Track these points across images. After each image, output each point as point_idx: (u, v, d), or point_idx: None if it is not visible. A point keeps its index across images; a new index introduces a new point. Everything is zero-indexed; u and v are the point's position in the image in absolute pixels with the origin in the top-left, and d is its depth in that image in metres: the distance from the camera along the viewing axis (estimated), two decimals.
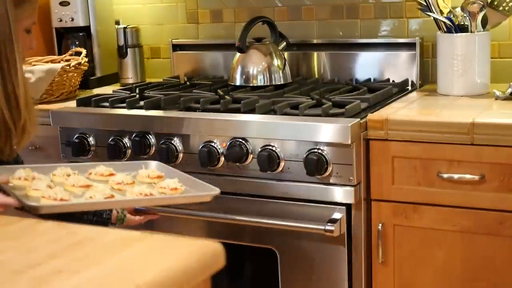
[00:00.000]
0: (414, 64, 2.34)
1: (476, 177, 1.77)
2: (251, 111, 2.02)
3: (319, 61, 2.52)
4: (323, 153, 1.83)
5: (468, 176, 1.78)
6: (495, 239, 1.79)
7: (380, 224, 1.89)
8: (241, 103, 2.03)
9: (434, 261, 1.87)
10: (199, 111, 2.07)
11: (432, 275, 1.88)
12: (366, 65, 2.43)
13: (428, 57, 2.41)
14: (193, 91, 2.31)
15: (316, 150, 1.84)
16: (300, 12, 2.60)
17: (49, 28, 2.76)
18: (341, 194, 1.85)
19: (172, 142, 2.03)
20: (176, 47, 2.76)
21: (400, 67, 2.38)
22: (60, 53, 2.75)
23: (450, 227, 1.83)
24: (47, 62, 2.57)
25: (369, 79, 2.41)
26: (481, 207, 1.79)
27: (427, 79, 2.41)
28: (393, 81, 2.37)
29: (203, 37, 2.79)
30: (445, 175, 1.81)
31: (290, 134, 1.87)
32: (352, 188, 1.84)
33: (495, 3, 2.09)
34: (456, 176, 1.80)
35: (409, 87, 2.34)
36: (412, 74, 2.35)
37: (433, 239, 1.86)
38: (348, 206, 1.88)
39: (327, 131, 1.82)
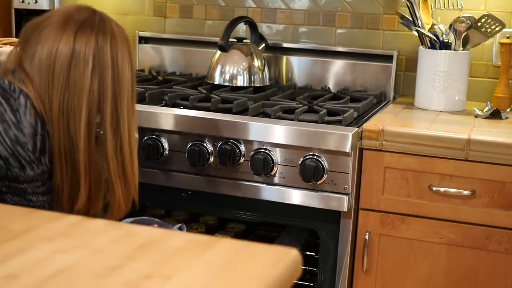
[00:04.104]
0: (389, 77, 2.37)
1: (467, 192, 1.82)
2: (242, 112, 1.98)
3: (291, 66, 2.50)
4: (320, 160, 1.82)
5: (459, 191, 1.82)
6: (480, 253, 1.84)
7: (367, 234, 1.90)
8: (233, 103, 1.99)
9: (418, 272, 1.90)
10: (185, 108, 2.00)
11: (414, 286, 1.91)
12: (339, 74, 2.44)
13: (401, 70, 2.45)
14: (174, 87, 2.24)
15: (313, 157, 1.82)
16: (274, 15, 2.57)
17: (8, 9, 2.59)
18: (334, 202, 1.84)
19: (159, 138, 1.95)
20: (141, 40, 2.67)
21: (374, 78, 2.40)
22: (17, 36, 2.59)
23: (436, 239, 1.87)
24: (5, 44, 2.41)
25: (345, 88, 2.42)
26: (470, 222, 1.84)
27: (399, 92, 2.45)
28: (365, 91, 2.39)
29: (169, 32, 2.71)
30: (436, 189, 1.84)
31: (287, 138, 1.84)
32: (346, 197, 1.83)
33: (479, 24, 2.15)
34: (447, 190, 1.83)
35: (385, 99, 2.36)
36: (386, 86, 2.38)
37: (418, 250, 1.89)
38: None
39: (326, 138, 1.80)
